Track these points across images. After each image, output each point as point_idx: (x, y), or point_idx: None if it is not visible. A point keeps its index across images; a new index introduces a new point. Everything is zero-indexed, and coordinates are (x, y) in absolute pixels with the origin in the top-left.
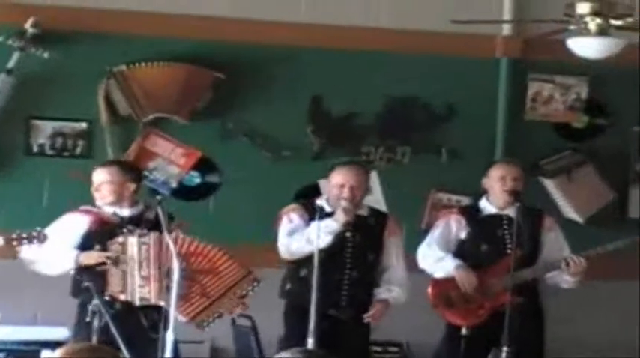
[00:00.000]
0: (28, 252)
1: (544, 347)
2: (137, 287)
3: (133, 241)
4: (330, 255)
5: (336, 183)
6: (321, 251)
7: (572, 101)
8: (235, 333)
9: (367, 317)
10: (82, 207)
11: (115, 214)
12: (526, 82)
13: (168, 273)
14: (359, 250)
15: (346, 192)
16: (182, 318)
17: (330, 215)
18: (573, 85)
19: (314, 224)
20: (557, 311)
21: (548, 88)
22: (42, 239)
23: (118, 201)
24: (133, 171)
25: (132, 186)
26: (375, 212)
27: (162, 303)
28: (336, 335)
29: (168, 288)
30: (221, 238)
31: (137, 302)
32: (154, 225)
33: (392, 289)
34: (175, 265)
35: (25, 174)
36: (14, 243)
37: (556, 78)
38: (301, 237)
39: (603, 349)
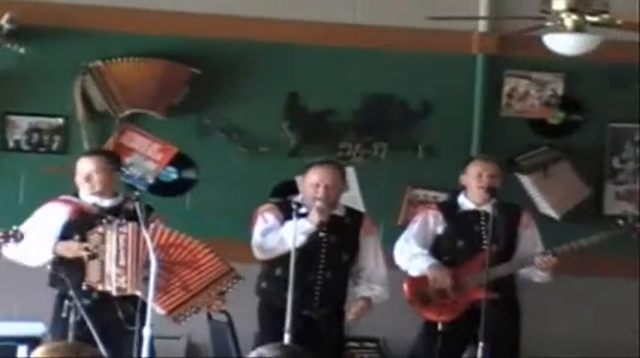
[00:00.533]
0: (10, 248)
1: (520, 342)
2: (114, 276)
3: (111, 231)
4: (305, 254)
5: (311, 183)
6: (295, 250)
7: (548, 97)
8: (212, 329)
9: (351, 315)
10: (62, 197)
11: (95, 205)
12: (502, 78)
13: (147, 264)
14: (333, 250)
15: (320, 192)
16: (160, 311)
17: (305, 215)
18: (549, 82)
19: (288, 224)
20: (534, 307)
21: (524, 84)
22: (18, 238)
23: (105, 190)
24: (117, 160)
25: (116, 175)
26: (350, 211)
27: (138, 293)
28: (310, 334)
29: (146, 279)
30: (198, 234)
31: (114, 292)
32: (133, 216)
33: (373, 288)
34: (152, 257)
35: (0, 169)
36: None
37: (532, 74)
38: (275, 237)
39: (579, 346)
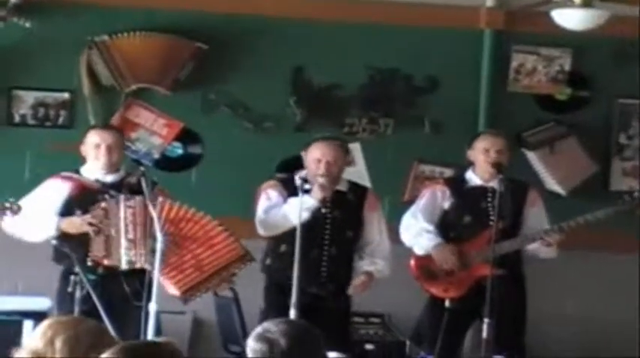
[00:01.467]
0: (8, 222)
1: (526, 317)
2: (123, 250)
3: (118, 205)
4: (309, 231)
5: (313, 159)
6: (300, 227)
7: (555, 73)
8: (217, 304)
9: (352, 288)
10: (64, 173)
11: (97, 180)
12: (509, 53)
13: (155, 237)
14: (337, 226)
15: (322, 168)
16: (173, 291)
17: (308, 191)
18: (557, 57)
19: (291, 200)
20: (540, 283)
21: (532, 60)
22: (15, 210)
23: (114, 166)
24: (123, 137)
25: (123, 153)
26: (354, 186)
27: (148, 267)
28: (316, 310)
29: (154, 252)
30: (203, 209)
31: (124, 266)
32: (136, 190)
33: (376, 262)
34: (159, 231)
35: (6, 144)
36: None
37: (540, 50)
38: (278, 213)
39: (584, 322)
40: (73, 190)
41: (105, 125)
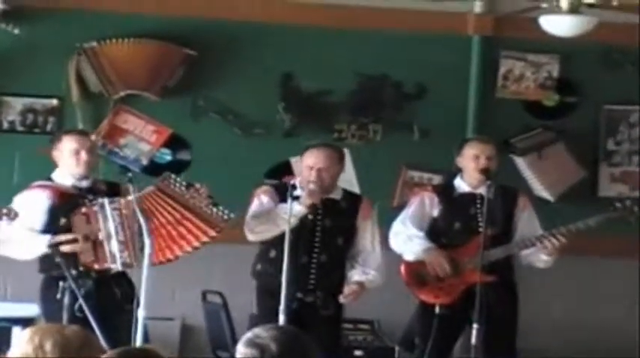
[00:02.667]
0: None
1: (517, 324)
2: (117, 252)
3: (104, 209)
4: (298, 238)
5: (306, 165)
6: (289, 233)
7: (543, 79)
8: (206, 310)
9: (343, 297)
10: (37, 183)
11: (73, 186)
12: (497, 59)
13: (140, 234)
14: (328, 234)
15: (313, 175)
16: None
17: (298, 197)
18: (545, 63)
19: (280, 206)
20: (531, 289)
21: (520, 66)
22: (12, 216)
23: (90, 171)
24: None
25: (97, 159)
26: (348, 195)
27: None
28: (306, 317)
29: (142, 250)
30: None
31: (120, 268)
32: (108, 196)
33: (368, 272)
34: (145, 232)
35: None
36: None
37: (528, 56)
38: (266, 219)
39: (575, 327)
40: (53, 198)
41: (79, 130)
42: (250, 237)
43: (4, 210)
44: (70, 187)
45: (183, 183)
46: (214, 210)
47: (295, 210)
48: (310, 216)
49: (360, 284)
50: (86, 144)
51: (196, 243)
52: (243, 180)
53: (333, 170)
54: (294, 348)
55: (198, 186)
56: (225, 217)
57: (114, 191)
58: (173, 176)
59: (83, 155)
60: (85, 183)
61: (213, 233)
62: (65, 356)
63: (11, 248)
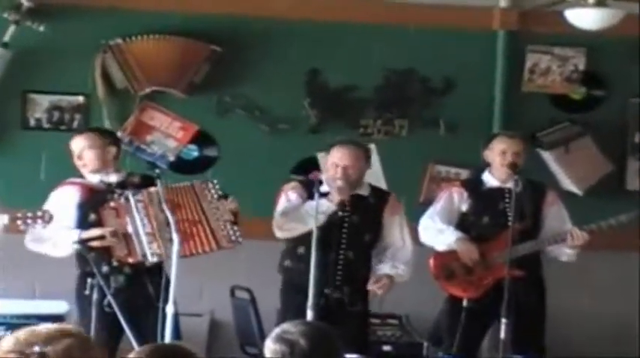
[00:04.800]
0: (33, 237)
1: (545, 319)
2: (146, 244)
3: (129, 202)
4: (326, 234)
5: (332, 163)
6: (317, 229)
7: (569, 72)
8: (234, 306)
9: (370, 285)
10: (68, 180)
11: (101, 181)
12: (523, 53)
13: (167, 225)
14: (355, 230)
15: (339, 172)
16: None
17: (327, 194)
18: (571, 57)
19: (308, 203)
20: (559, 282)
21: (546, 60)
22: (47, 219)
23: (103, 166)
24: (110, 134)
25: (113, 150)
26: (376, 191)
27: (172, 256)
28: (334, 312)
29: (171, 240)
30: None
31: (150, 259)
32: (141, 188)
33: (397, 266)
34: (173, 229)
35: (22, 148)
36: (19, 221)
37: (554, 49)
38: (294, 216)
39: (605, 320)
40: (82, 194)
41: (80, 129)
42: (278, 233)
43: (39, 213)
44: (98, 183)
45: (220, 192)
46: (228, 227)
47: (323, 206)
48: (339, 213)
49: (390, 277)
50: (79, 145)
51: (195, 250)
52: (269, 175)
53: (359, 167)
54: (323, 343)
55: (230, 199)
56: (233, 238)
57: (148, 184)
58: (214, 182)
59: (85, 155)
60: (113, 178)
61: (212, 247)
62: None
63: (45, 245)
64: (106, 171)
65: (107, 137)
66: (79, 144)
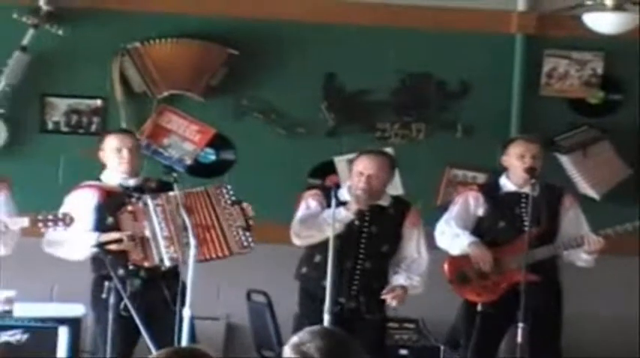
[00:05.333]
0: (51, 240)
1: (561, 324)
2: (163, 248)
3: (147, 205)
4: (344, 243)
5: (357, 171)
6: (335, 238)
7: (587, 77)
8: (251, 310)
9: (384, 295)
10: (85, 183)
11: (120, 185)
12: (541, 57)
13: (184, 229)
14: (373, 240)
15: (363, 181)
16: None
17: (345, 203)
18: (589, 61)
19: (326, 211)
20: (576, 287)
21: (564, 64)
22: (68, 222)
23: (135, 169)
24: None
25: (142, 158)
26: (396, 202)
27: (190, 260)
28: (349, 320)
29: (187, 244)
30: None
31: (167, 264)
32: (158, 193)
33: (412, 278)
34: (190, 233)
35: (40, 151)
36: (39, 224)
37: (572, 53)
38: (312, 224)
39: (622, 324)
40: (100, 197)
41: (121, 129)
42: (296, 241)
43: (60, 215)
44: (117, 186)
45: (234, 197)
46: (240, 233)
47: (341, 215)
48: (357, 222)
49: (404, 288)
50: (128, 143)
51: (208, 255)
52: (286, 179)
53: (384, 177)
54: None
55: (245, 205)
56: (245, 244)
57: (165, 189)
58: (229, 187)
59: (125, 153)
60: (132, 182)
61: (224, 253)
62: None
63: (62, 249)
64: (128, 175)
65: (140, 144)
66: (122, 142)
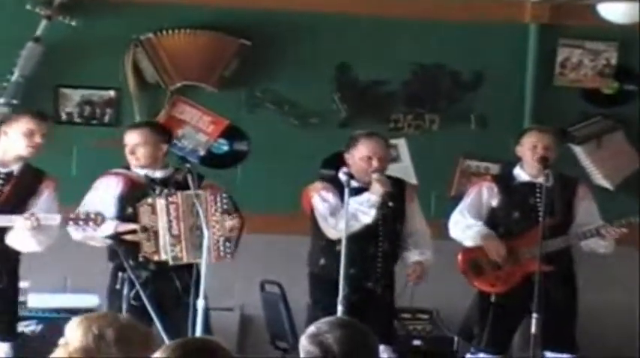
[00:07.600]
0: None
1: (576, 315)
2: (169, 246)
3: (161, 202)
4: (365, 228)
5: (362, 156)
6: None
7: (601, 67)
8: (265, 300)
9: (411, 278)
10: (113, 170)
11: (146, 176)
12: (555, 47)
13: (199, 230)
14: (389, 221)
15: (376, 164)
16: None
17: (359, 189)
18: (603, 51)
19: (354, 200)
20: (590, 277)
21: (578, 54)
22: (99, 222)
23: (153, 163)
24: (164, 132)
25: (164, 147)
26: (394, 181)
27: (194, 261)
28: (363, 304)
29: (200, 246)
30: (248, 205)
31: (170, 262)
32: (183, 187)
33: (424, 252)
34: (204, 226)
35: (53, 142)
36: (70, 222)
37: (585, 43)
38: (347, 216)
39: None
40: (123, 186)
41: (136, 123)
42: (335, 234)
43: (92, 215)
44: (143, 177)
45: (225, 206)
46: (220, 243)
47: (372, 201)
48: (389, 203)
49: (421, 264)
50: (133, 139)
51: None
52: (299, 170)
53: (388, 158)
54: (358, 350)
55: (232, 216)
56: (222, 254)
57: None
58: (225, 195)
59: (138, 150)
60: (159, 174)
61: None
62: (126, 344)
63: (90, 235)
64: (153, 167)
65: (160, 134)
66: (133, 139)
